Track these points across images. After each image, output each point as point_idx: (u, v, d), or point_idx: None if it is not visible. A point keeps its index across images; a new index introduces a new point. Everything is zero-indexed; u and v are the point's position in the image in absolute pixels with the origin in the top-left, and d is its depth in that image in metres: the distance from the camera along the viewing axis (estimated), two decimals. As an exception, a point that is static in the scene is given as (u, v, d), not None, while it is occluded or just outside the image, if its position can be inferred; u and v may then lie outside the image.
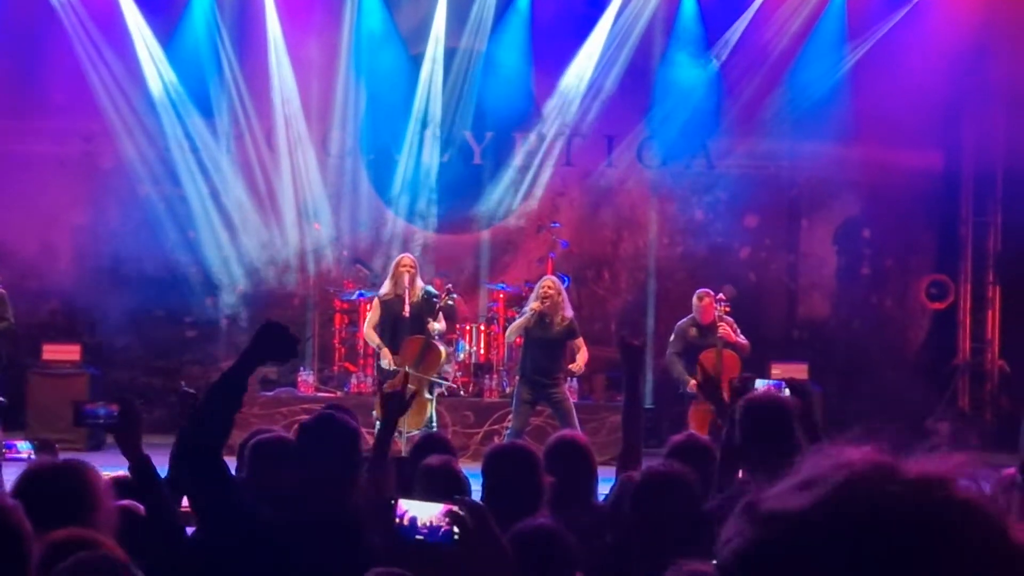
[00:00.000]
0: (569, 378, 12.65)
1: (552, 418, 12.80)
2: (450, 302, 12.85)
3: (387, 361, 12.34)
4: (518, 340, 13.08)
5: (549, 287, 12.21)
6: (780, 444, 4.94)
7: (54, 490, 3.98)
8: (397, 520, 3.78)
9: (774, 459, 4.96)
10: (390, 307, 12.49)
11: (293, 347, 4.52)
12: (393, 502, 3.83)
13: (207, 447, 4.41)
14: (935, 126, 16.79)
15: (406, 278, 12.40)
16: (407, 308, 12.34)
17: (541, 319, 12.08)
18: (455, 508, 3.65)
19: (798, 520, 1.52)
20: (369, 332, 12.68)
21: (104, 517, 4.01)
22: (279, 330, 4.48)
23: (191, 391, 5.91)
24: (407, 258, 12.75)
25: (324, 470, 4.53)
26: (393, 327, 12.46)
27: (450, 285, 13.16)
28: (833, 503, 1.51)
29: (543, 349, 12.12)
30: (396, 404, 5.58)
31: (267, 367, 13.56)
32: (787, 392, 5.68)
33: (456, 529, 3.66)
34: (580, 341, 12.38)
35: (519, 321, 12.33)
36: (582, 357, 12.34)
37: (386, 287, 12.72)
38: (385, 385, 11.72)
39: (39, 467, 4.19)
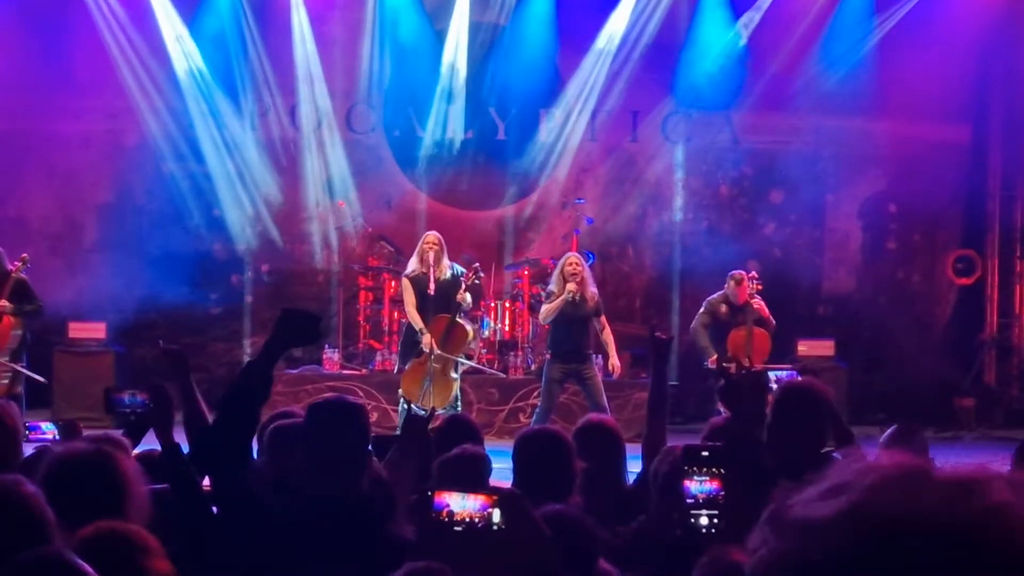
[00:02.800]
0: (596, 355, 12.62)
1: (577, 395, 12.79)
2: (477, 281, 12.83)
3: (426, 345, 12.31)
4: (529, 327, 13.19)
5: (575, 263, 12.18)
6: (812, 432, 4.97)
7: (85, 479, 3.96)
8: (434, 513, 3.77)
9: (806, 446, 4.96)
10: (416, 284, 12.47)
11: (316, 329, 4.49)
12: (430, 493, 3.82)
13: (235, 441, 4.39)
14: (962, 100, 16.69)
15: (431, 255, 12.38)
16: (432, 286, 12.32)
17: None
18: (496, 497, 3.65)
19: (826, 528, 1.48)
20: (413, 314, 12.53)
21: (136, 504, 4.00)
22: (299, 315, 4.47)
23: (174, 347, 5.79)
24: (432, 235, 12.71)
25: (333, 453, 4.49)
26: (420, 305, 12.44)
27: (477, 264, 13.13)
28: (862, 509, 1.48)
29: (575, 326, 12.11)
30: (416, 429, 5.51)
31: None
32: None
33: (497, 518, 3.65)
34: (603, 320, 12.35)
35: (555, 303, 12.17)
36: (612, 350, 12.36)
37: (412, 264, 12.69)
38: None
39: (69, 454, 4.16)
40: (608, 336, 12.34)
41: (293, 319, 4.46)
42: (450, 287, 12.43)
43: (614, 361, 12.36)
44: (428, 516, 3.77)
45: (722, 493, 4.26)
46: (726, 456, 4.29)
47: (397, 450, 5.40)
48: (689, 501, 4.34)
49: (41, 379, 12.80)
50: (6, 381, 12.13)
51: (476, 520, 3.71)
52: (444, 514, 3.73)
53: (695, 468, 4.25)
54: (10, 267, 12.31)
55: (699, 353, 12.93)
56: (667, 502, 4.69)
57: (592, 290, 12.19)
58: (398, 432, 12.10)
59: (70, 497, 3.75)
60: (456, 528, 3.70)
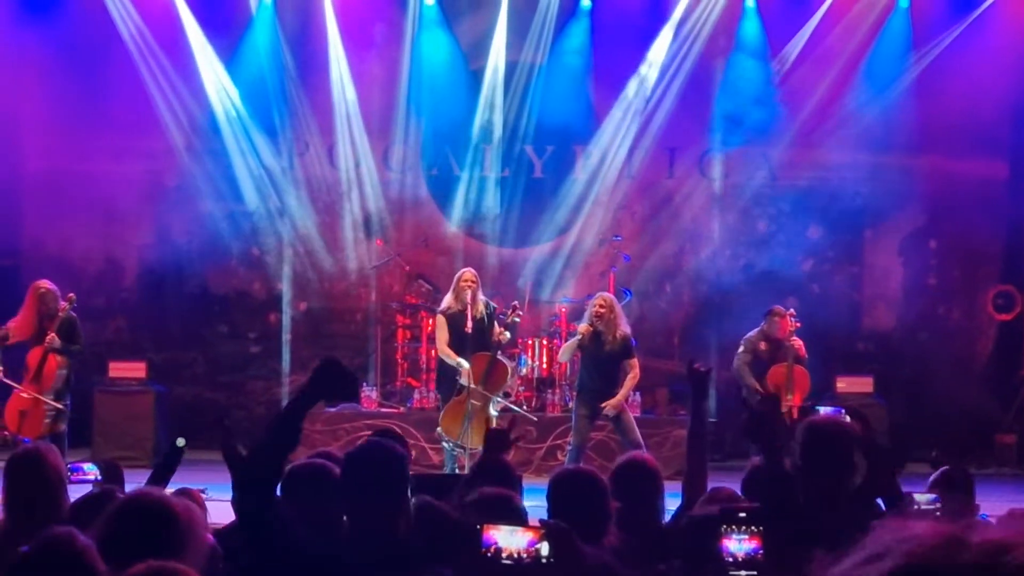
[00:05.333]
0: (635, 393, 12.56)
1: (615, 432, 12.74)
2: (516, 319, 12.84)
3: (465, 378, 12.32)
4: (564, 364, 13.15)
5: (601, 305, 12.11)
6: (839, 469, 4.95)
7: (146, 523, 3.94)
8: (483, 549, 3.78)
9: (832, 483, 4.95)
10: (453, 321, 12.48)
11: (353, 387, 4.42)
12: (479, 528, 3.82)
13: (261, 484, 4.35)
14: (1001, 135, 16.62)
15: (468, 293, 12.39)
16: (470, 323, 12.32)
17: (596, 336, 12.04)
18: (545, 530, 3.67)
19: None
20: (445, 350, 12.54)
21: (193, 550, 3.98)
22: (338, 369, 4.35)
23: (227, 423, 5.97)
24: (469, 273, 12.72)
25: (372, 501, 4.45)
26: (458, 343, 12.45)
27: (516, 303, 13.14)
28: (903, 573, 1.48)
29: (597, 367, 12.09)
30: (499, 442, 5.57)
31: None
32: (847, 418, 5.63)
33: (546, 552, 3.66)
34: (634, 362, 12.20)
35: (569, 343, 12.35)
36: (625, 391, 12.11)
37: (448, 301, 12.70)
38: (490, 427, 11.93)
39: (131, 503, 4.15)
40: (630, 380, 12.15)
41: (331, 371, 4.35)
42: (485, 324, 12.45)
43: (613, 401, 11.97)
44: (476, 553, 3.77)
45: (761, 552, 4.23)
46: (764, 516, 4.25)
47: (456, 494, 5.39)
48: (728, 560, 4.30)
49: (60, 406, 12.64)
50: (48, 420, 12.20)
51: (524, 555, 3.72)
52: (492, 550, 3.74)
53: (733, 527, 4.22)
54: (59, 306, 12.37)
55: (746, 392, 12.92)
56: (699, 558, 4.66)
57: (623, 331, 12.10)
58: (447, 471, 12.17)
59: (129, 541, 3.75)
60: (505, 562, 3.71)
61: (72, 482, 6.56)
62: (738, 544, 4.22)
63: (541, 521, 4.06)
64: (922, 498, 5.73)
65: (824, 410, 6.38)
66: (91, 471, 6.91)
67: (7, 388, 12.32)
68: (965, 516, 5.49)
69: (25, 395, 12.13)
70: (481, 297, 12.65)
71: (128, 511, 4.04)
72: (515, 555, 3.77)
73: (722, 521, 4.22)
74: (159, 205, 16.57)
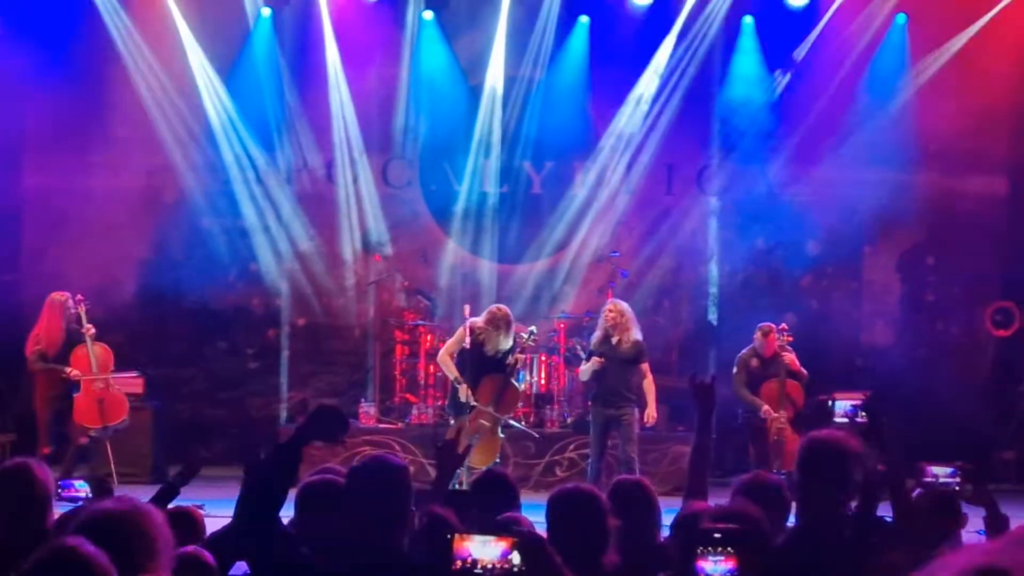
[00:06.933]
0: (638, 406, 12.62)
1: (614, 449, 12.75)
2: (531, 343, 12.87)
3: (464, 395, 12.34)
4: (564, 380, 13.40)
5: (610, 310, 12.43)
6: (837, 485, 4.95)
7: (112, 539, 3.95)
8: (459, 563, 3.79)
9: (829, 499, 4.95)
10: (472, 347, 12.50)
11: (344, 429, 4.81)
12: (450, 537, 3.84)
13: (262, 516, 4.62)
14: (999, 151, 16.64)
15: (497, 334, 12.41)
16: (468, 340, 12.43)
17: (608, 341, 12.25)
18: (518, 540, 3.67)
19: None
20: (445, 358, 12.61)
21: (163, 562, 3.99)
22: (331, 413, 4.80)
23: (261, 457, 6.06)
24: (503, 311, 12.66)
25: (374, 514, 4.55)
26: (461, 361, 12.50)
27: (533, 327, 13.13)
28: None
29: (612, 370, 12.29)
30: (450, 457, 5.60)
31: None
32: (863, 415, 5.62)
33: (518, 562, 3.67)
34: (646, 367, 12.46)
35: (586, 366, 12.54)
36: (651, 399, 12.35)
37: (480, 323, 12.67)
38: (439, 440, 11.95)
39: (97, 514, 4.15)
40: (648, 385, 12.41)
41: (326, 415, 4.78)
42: (501, 355, 12.47)
43: (651, 411, 12.36)
44: (450, 568, 3.80)
45: (737, 573, 4.22)
46: (740, 537, 4.23)
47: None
48: None
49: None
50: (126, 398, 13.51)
51: (497, 567, 3.73)
52: (468, 562, 3.75)
53: (709, 548, 4.20)
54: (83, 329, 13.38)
55: (743, 411, 12.99)
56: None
57: (632, 335, 12.31)
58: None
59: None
60: (478, 573, 3.74)
61: (63, 498, 6.56)
62: (714, 565, 4.20)
63: (513, 531, 4.06)
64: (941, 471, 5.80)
65: (841, 405, 6.34)
66: (82, 488, 6.91)
67: (67, 401, 13.31)
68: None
69: (100, 383, 13.38)
70: (510, 336, 12.56)
71: (89, 525, 4.04)
72: (488, 566, 3.79)
73: (698, 542, 4.20)
74: (157, 221, 16.54)
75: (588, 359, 12.57)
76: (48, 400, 13.29)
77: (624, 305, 12.65)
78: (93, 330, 13.39)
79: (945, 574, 1.55)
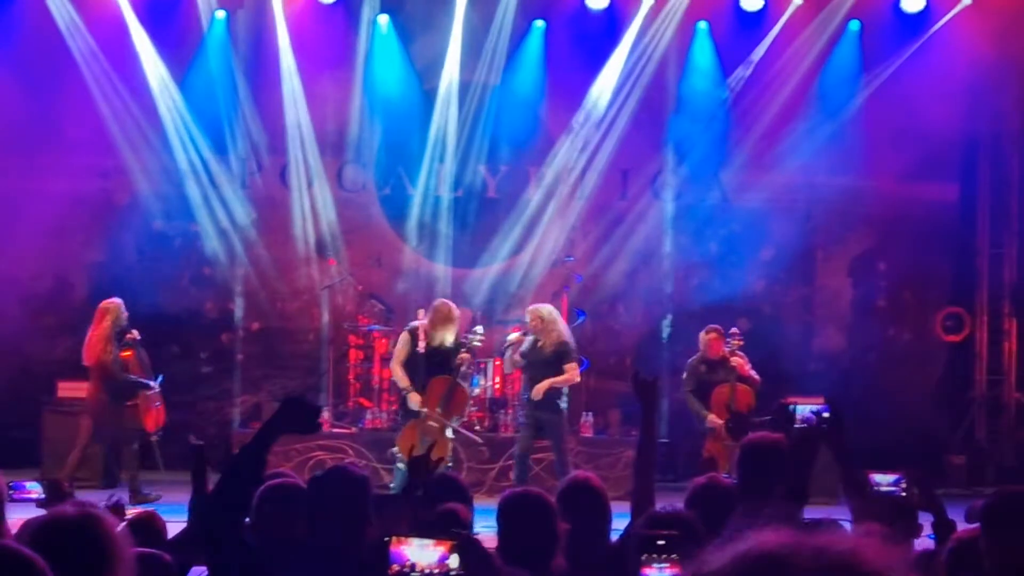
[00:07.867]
0: (564, 404, 12.68)
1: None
2: (477, 343, 12.86)
3: (415, 403, 12.37)
4: (518, 385, 13.61)
5: (531, 317, 12.61)
6: (772, 483, 5.05)
7: (70, 545, 3.93)
8: (395, 567, 3.79)
9: (766, 497, 5.00)
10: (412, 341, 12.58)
11: (315, 421, 4.54)
12: (387, 540, 3.84)
13: (228, 519, 4.45)
14: (950, 158, 16.79)
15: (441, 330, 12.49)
16: (422, 344, 12.48)
17: (534, 345, 12.44)
18: (456, 543, 3.69)
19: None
20: (398, 371, 12.72)
21: (123, 569, 3.97)
22: (301, 405, 4.53)
23: (199, 443, 6.02)
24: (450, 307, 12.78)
25: (335, 524, 4.54)
26: (412, 365, 12.54)
27: (479, 327, 13.17)
28: None
29: (533, 372, 12.47)
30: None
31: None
32: (826, 415, 5.68)
33: (455, 564, 3.68)
34: (571, 365, 12.49)
35: (506, 355, 13.00)
36: (548, 382, 12.32)
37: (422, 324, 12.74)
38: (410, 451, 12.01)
39: (53, 520, 4.13)
40: (562, 377, 12.39)
41: (296, 407, 4.52)
42: (449, 353, 12.53)
43: (539, 386, 12.30)
44: (387, 572, 3.80)
45: None
46: (682, 544, 4.24)
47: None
48: None
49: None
50: None
51: (436, 571, 3.75)
52: (407, 566, 3.76)
53: (654, 555, 4.21)
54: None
55: (696, 419, 12.92)
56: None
57: (557, 339, 12.41)
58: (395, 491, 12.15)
59: (55, 563, 3.72)
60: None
61: (13, 500, 6.49)
62: (659, 572, 4.20)
63: (449, 532, 4.07)
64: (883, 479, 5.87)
65: (801, 409, 6.35)
66: (33, 489, 6.83)
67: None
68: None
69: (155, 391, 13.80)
70: (452, 333, 12.60)
71: (46, 530, 4.02)
72: (426, 571, 3.80)
73: (642, 549, 4.20)
74: (110, 223, 16.43)
75: (504, 353, 12.94)
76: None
77: (546, 309, 12.75)
78: (137, 334, 13.83)
79: (723, 556, 1.68)
